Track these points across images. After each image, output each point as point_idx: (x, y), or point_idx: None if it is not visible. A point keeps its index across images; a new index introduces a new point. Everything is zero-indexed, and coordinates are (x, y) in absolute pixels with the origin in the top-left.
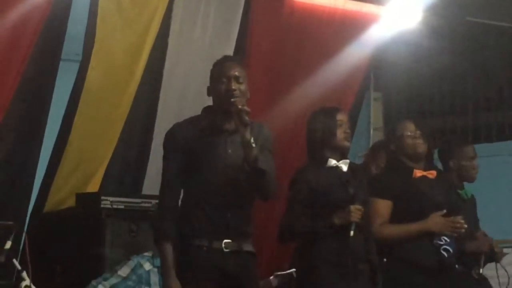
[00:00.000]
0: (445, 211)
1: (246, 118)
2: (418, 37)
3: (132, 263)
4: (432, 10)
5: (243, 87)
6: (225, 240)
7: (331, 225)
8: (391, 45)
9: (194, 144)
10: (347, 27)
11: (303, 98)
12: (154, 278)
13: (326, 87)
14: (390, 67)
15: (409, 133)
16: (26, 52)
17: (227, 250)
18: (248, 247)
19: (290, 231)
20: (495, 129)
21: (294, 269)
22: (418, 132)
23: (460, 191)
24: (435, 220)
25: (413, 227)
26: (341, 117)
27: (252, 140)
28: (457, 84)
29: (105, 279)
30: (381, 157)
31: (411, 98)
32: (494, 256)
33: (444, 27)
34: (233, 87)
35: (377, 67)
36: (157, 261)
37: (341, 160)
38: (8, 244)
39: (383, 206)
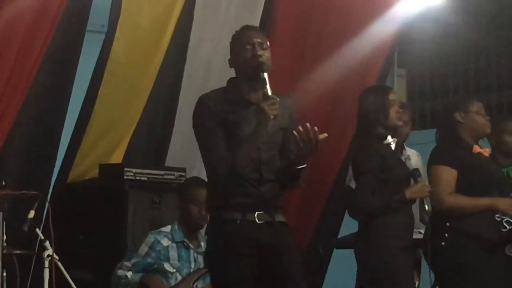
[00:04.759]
0: None
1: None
2: (443, 13)
3: (148, 240)
4: None
5: (267, 53)
6: (257, 212)
7: (403, 200)
8: (416, 21)
9: (225, 116)
10: (373, 2)
11: (327, 72)
12: (173, 254)
13: (350, 62)
14: (415, 43)
15: (483, 112)
16: (52, 24)
17: (261, 221)
18: (280, 218)
19: (366, 205)
20: None
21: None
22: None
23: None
24: (505, 200)
25: (482, 201)
26: (393, 96)
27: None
28: (481, 61)
29: (128, 260)
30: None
31: (435, 74)
32: None
33: (470, 3)
34: (259, 53)
35: (401, 43)
36: (176, 236)
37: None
38: (31, 213)
39: (450, 174)
